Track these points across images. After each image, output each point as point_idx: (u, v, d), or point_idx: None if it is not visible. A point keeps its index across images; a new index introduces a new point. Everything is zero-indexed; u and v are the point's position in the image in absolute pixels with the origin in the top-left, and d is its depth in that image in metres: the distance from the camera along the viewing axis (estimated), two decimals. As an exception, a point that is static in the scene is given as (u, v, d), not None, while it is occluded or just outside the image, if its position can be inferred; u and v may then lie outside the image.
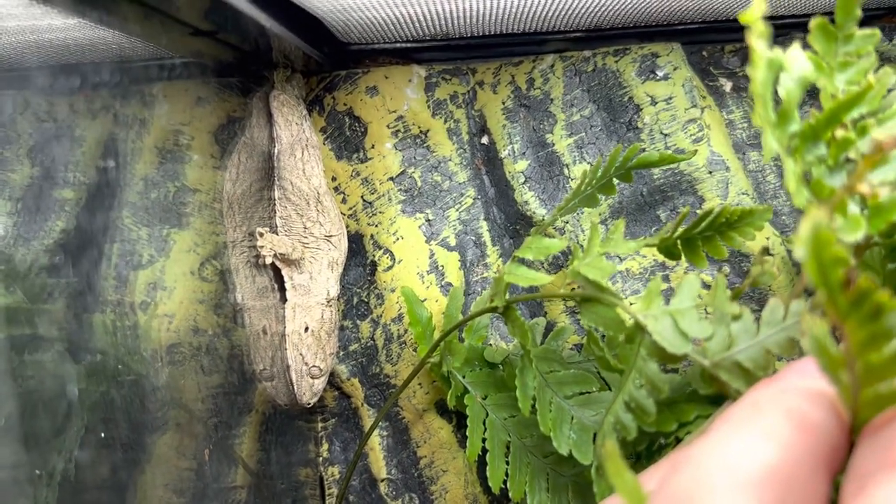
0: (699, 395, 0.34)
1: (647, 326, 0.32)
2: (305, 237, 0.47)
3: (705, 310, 0.32)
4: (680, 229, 0.37)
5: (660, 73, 0.49)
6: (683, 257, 0.38)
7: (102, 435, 0.44)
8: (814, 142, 0.29)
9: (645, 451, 0.36)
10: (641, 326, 0.32)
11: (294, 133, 0.47)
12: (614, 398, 0.34)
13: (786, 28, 0.48)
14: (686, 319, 0.32)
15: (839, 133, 0.28)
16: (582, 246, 0.48)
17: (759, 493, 0.17)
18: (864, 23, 0.32)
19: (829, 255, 0.18)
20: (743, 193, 0.48)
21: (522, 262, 0.40)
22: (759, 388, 0.22)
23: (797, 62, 0.27)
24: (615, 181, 0.44)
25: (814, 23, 0.32)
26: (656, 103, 0.49)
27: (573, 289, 0.44)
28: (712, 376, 0.31)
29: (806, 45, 0.30)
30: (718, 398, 0.34)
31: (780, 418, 0.19)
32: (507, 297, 0.39)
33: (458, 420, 0.51)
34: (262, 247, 0.42)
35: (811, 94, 0.48)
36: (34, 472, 0.40)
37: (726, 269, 0.47)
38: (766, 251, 0.40)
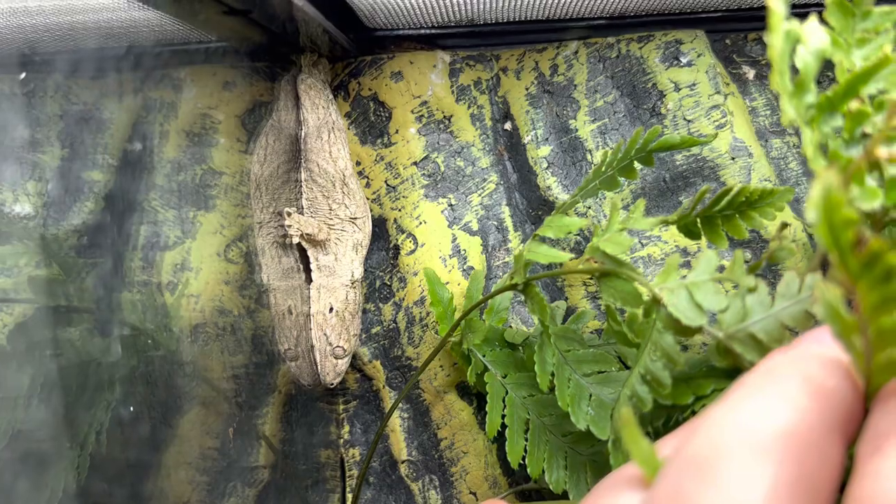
0: (716, 370, 0.35)
1: (662, 299, 0.32)
2: (331, 219, 0.47)
3: (722, 285, 0.33)
4: (699, 207, 0.37)
5: (683, 60, 0.49)
6: (704, 241, 0.39)
7: (131, 409, 0.45)
8: (830, 113, 0.29)
9: (662, 426, 0.36)
10: (657, 299, 0.33)
11: (321, 116, 0.48)
12: (631, 372, 0.34)
13: (806, 7, 0.48)
14: (701, 292, 0.32)
15: (854, 105, 0.28)
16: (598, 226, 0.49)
17: (776, 454, 0.17)
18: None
19: (840, 217, 0.18)
20: (765, 180, 0.48)
21: (543, 240, 0.41)
22: (775, 356, 0.22)
23: (814, 35, 0.28)
24: (636, 164, 0.44)
25: None
26: (680, 89, 0.49)
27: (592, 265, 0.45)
28: (727, 348, 0.31)
29: (822, 22, 0.30)
30: (734, 372, 0.34)
31: (796, 384, 0.19)
32: (527, 275, 0.40)
33: (478, 402, 0.51)
34: (289, 226, 0.43)
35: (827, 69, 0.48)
36: (66, 443, 0.41)
37: (747, 254, 0.48)
38: (784, 226, 0.40)
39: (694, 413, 0.34)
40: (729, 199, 0.37)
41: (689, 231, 0.39)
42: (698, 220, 0.38)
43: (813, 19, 0.27)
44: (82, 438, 0.43)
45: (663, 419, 0.36)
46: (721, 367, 0.35)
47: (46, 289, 0.42)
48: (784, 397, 0.19)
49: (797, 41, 0.27)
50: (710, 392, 0.34)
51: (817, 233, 0.19)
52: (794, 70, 0.27)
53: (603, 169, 0.44)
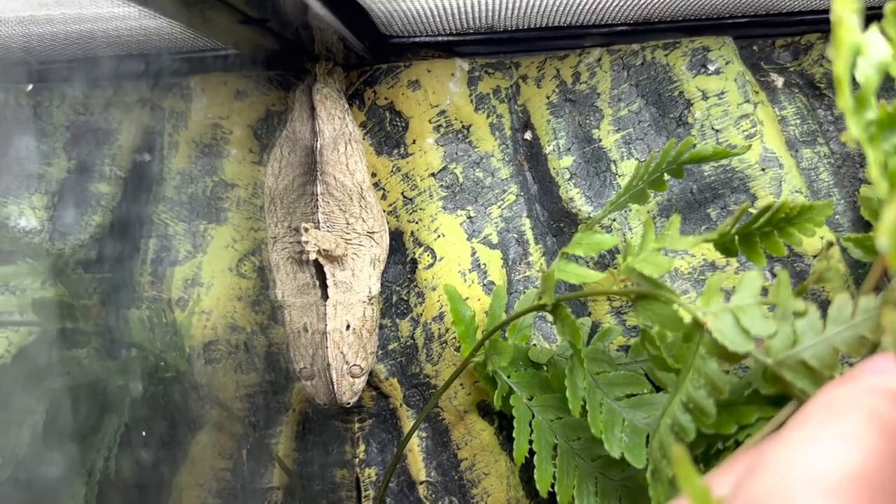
0: (758, 396, 0.33)
1: (706, 324, 0.31)
2: (348, 233, 0.46)
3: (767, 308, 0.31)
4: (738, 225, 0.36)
5: (711, 68, 0.48)
6: (734, 257, 0.37)
7: (142, 433, 0.44)
8: (891, 129, 0.27)
9: (702, 454, 0.35)
10: (701, 324, 0.31)
11: (337, 127, 0.46)
12: (671, 399, 0.33)
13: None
14: (748, 316, 0.30)
15: None
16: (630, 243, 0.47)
17: (842, 499, 0.16)
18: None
19: None
20: (796, 191, 0.46)
21: (572, 258, 0.39)
22: (833, 388, 0.21)
23: (876, 46, 0.26)
24: (666, 176, 0.42)
25: (889, 7, 0.30)
26: (708, 98, 0.47)
27: (625, 286, 0.43)
28: (775, 375, 0.30)
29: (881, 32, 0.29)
30: (779, 399, 0.33)
31: (860, 420, 0.18)
32: (556, 295, 0.38)
33: (500, 422, 0.49)
34: (306, 242, 0.41)
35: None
36: (75, 468, 0.39)
37: (780, 269, 0.46)
38: (830, 245, 0.39)
39: (737, 443, 0.33)
40: (769, 216, 0.35)
41: (727, 249, 0.37)
42: (736, 237, 0.37)
43: (874, 29, 0.26)
44: (90, 464, 0.42)
45: (703, 447, 0.35)
46: (762, 394, 0.33)
47: (52, 310, 0.41)
48: (850, 435, 0.18)
49: (857, 53, 0.25)
50: (755, 421, 0.33)
51: (891, 261, 0.17)
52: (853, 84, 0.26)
53: (634, 183, 0.42)
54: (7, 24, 0.40)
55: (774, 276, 0.47)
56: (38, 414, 0.39)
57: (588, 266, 0.49)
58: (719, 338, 0.30)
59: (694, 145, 0.47)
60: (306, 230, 0.41)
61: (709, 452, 0.34)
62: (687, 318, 0.32)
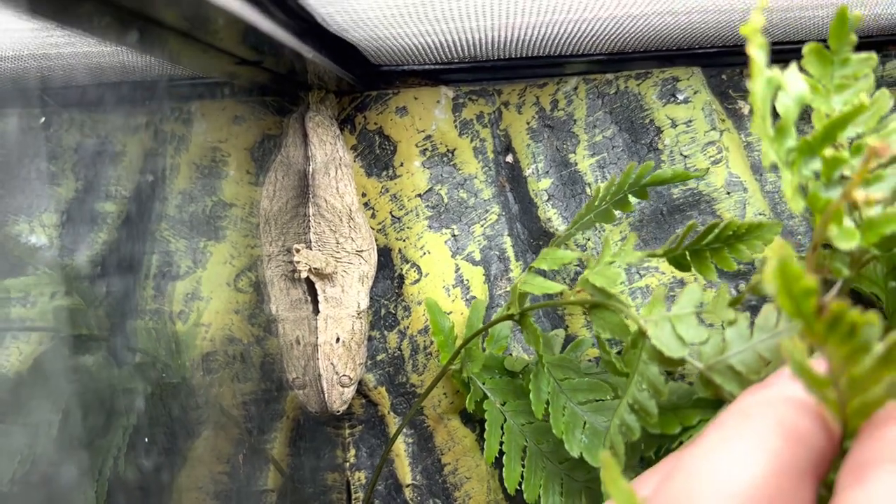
0: (703, 401, 0.36)
1: (647, 331, 0.34)
2: (338, 252, 0.49)
3: (702, 319, 0.34)
4: (687, 241, 0.39)
5: (680, 97, 0.51)
6: (687, 272, 0.40)
7: (146, 438, 0.47)
8: (810, 156, 0.30)
9: (654, 455, 0.38)
10: (643, 331, 0.34)
11: (328, 152, 0.49)
12: (620, 401, 0.36)
13: (785, 53, 0.50)
14: (683, 325, 0.33)
15: (829, 152, 0.29)
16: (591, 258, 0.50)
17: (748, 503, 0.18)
18: (876, 48, 0.33)
19: (800, 288, 0.19)
20: (760, 214, 0.49)
21: (539, 272, 0.42)
22: (749, 395, 0.22)
23: (794, 82, 0.29)
24: (630, 197, 0.45)
25: (808, 48, 0.33)
26: (676, 126, 0.51)
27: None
28: (707, 379, 0.33)
29: (802, 70, 0.32)
30: (720, 403, 0.35)
31: (769, 427, 0.20)
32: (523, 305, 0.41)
33: (481, 429, 0.53)
34: (298, 262, 0.44)
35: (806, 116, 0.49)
36: (86, 469, 0.42)
37: (742, 286, 0.49)
38: (766, 259, 0.42)
39: (682, 443, 0.35)
40: (717, 233, 0.38)
41: (679, 263, 0.40)
42: (687, 252, 0.39)
43: (793, 67, 0.29)
44: (101, 463, 0.45)
45: (654, 448, 0.37)
46: (707, 398, 0.36)
47: (69, 318, 0.44)
48: (757, 442, 0.19)
49: (778, 87, 0.28)
50: (697, 423, 0.36)
51: (779, 303, 0.20)
52: (776, 114, 0.29)
53: (597, 203, 0.45)
54: (23, 60, 0.44)
55: (739, 291, 0.50)
56: (54, 415, 0.42)
57: (564, 282, 0.52)
58: (657, 344, 0.33)
59: (658, 167, 0.50)
60: (298, 251, 0.44)
61: (659, 453, 0.37)
62: (633, 327, 0.35)
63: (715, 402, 0.36)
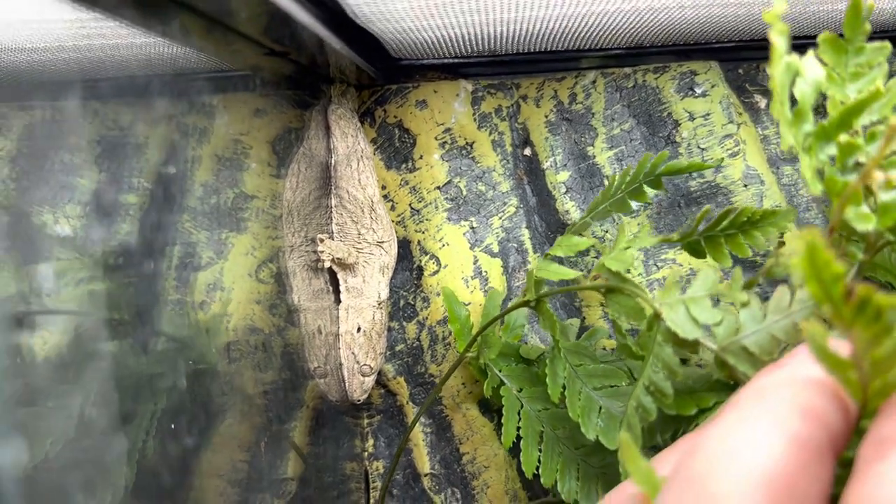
0: (719, 383, 0.37)
1: (662, 313, 0.34)
2: (359, 243, 0.49)
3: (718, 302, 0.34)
4: (701, 227, 0.39)
5: (698, 91, 0.51)
6: (703, 258, 0.40)
7: (171, 424, 0.47)
8: (826, 141, 0.31)
9: (670, 438, 0.38)
10: (658, 314, 0.35)
11: (350, 144, 0.50)
12: (636, 384, 0.36)
13: (803, 49, 0.50)
14: (697, 307, 0.34)
15: (844, 138, 0.30)
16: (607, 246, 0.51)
17: (767, 483, 0.18)
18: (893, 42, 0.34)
19: (829, 274, 0.19)
20: (776, 206, 0.50)
21: (554, 259, 0.43)
22: (765, 374, 0.22)
23: (811, 68, 0.29)
24: (646, 188, 0.46)
25: (822, 36, 0.34)
26: (694, 119, 0.51)
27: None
28: (721, 361, 0.33)
29: (818, 59, 0.32)
30: (735, 386, 0.36)
31: (786, 407, 0.20)
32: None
33: (499, 418, 0.53)
34: (321, 252, 0.45)
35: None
36: (119, 449, 0.43)
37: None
38: (781, 243, 0.42)
39: (697, 426, 0.36)
40: (731, 220, 0.39)
41: (694, 250, 0.41)
42: (702, 239, 0.40)
43: (811, 54, 0.29)
44: (131, 444, 0.46)
45: (671, 432, 0.38)
46: (722, 381, 0.37)
47: (104, 302, 0.45)
48: (775, 421, 0.19)
49: (796, 73, 0.29)
50: (713, 405, 0.36)
51: (808, 288, 0.20)
52: (794, 102, 0.29)
53: (612, 192, 0.46)
54: (51, 52, 0.44)
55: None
56: (85, 398, 0.42)
57: (581, 271, 0.53)
58: (672, 326, 0.33)
59: (675, 157, 0.51)
60: (321, 241, 0.45)
61: (675, 435, 0.38)
62: (648, 310, 0.35)
63: (730, 385, 0.37)
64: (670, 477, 0.20)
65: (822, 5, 0.45)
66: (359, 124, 0.51)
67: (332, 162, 0.49)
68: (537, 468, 0.45)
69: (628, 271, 0.49)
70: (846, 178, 0.30)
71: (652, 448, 0.38)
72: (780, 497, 0.18)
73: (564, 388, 0.43)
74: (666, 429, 0.37)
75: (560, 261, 0.49)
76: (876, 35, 0.50)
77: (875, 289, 0.19)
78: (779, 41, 0.27)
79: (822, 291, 0.20)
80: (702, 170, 0.45)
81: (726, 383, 0.37)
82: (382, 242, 0.51)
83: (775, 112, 0.29)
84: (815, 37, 0.34)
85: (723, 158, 0.48)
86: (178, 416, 0.49)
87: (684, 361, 0.46)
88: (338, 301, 0.49)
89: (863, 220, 0.29)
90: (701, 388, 0.37)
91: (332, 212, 0.49)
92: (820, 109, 0.51)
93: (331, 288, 0.49)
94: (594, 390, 0.44)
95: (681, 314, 0.34)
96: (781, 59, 0.28)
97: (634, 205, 0.50)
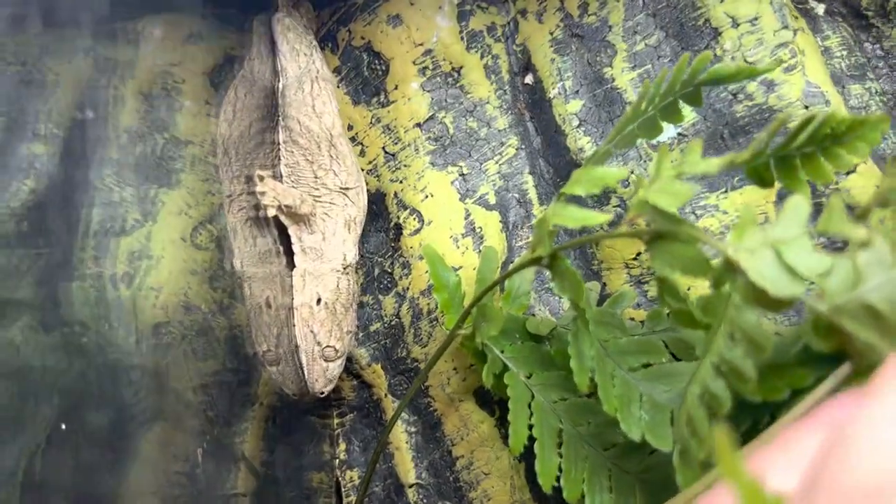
0: (812, 354, 0.26)
1: (740, 263, 0.24)
2: (317, 189, 0.39)
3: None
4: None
5: (742, -11, 0.41)
6: (770, 187, 0.30)
7: (76, 427, 0.36)
8: None
9: (750, 431, 0.28)
10: (733, 264, 0.24)
11: (302, 64, 0.39)
12: (700, 362, 0.26)
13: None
14: (794, 251, 0.23)
15: None
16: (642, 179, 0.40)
17: None
18: None
19: None
20: (847, 132, 0.39)
21: (571, 199, 0.32)
22: None
23: None
24: (681, 104, 0.35)
25: None
26: (738, 25, 0.40)
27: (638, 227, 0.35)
28: (832, 326, 0.23)
29: None
30: (836, 359, 0.25)
31: None
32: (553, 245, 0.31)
33: (501, 412, 0.42)
34: (262, 193, 0.34)
35: None
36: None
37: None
38: None
39: (774, 418, 0.25)
40: (811, 132, 0.28)
41: (760, 177, 0.30)
42: (771, 160, 0.29)
43: None
44: (12, 462, 0.35)
45: (748, 423, 0.27)
46: (817, 352, 0.26)
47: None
48: None
49: None
50: (814, 383, 0.25)
51: None
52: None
53: (643, 107, 0.35)
54: None
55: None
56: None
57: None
58: (757, 280, 0.23)
59: (718, 61, 0.40)
60: (261, 179, 0.34)
61: (758, 429, 0.27)
62: (715, 261, 0.25)
63: (827, 357, 0.26)
64: (809, 488, 0.16)
65: None
66: (313, 41, 0.41)
67: (280, 86, 0.38)
68: (557, 479, 0.34)
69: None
70: None
71: None
72: None
73: (592, 372, 0.32)
74: (743, 420, 0.26)
75: (580, 201, 0.38)
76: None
77: None
78: None
79: None
80: (754, 76, 0.35)
81: (822, 355, 0.26)
82: (347, 189, 0.40)
83: None
84: None
85: (779, 62, 0.37)
86: (84, 421, 0.38)
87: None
88: (291, 265, 0.38)
89: None
90: (788, 361, 0.26)
91: (279, 149, 0.38)
92: None
93: (281, 248, 0.38)
94: (630, 372, 0.33)
95: (769, 262, 0.23)
96: None
97: (665, 137, 0.40)
